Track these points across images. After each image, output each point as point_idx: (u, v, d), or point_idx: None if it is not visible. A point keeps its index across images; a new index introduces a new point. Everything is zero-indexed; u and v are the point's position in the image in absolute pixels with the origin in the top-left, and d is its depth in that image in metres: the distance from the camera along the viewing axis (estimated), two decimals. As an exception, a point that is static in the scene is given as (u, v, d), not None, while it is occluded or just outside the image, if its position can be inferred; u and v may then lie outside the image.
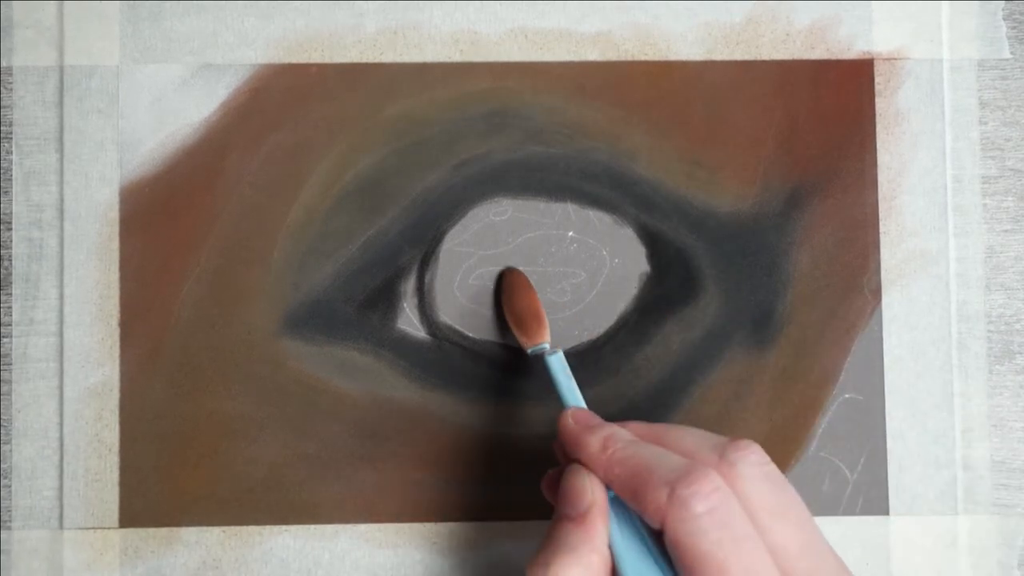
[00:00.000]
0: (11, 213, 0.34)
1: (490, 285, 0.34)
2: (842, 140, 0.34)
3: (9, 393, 0.33)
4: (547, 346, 0.32)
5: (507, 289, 0.33)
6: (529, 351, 0.32)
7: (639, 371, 0.34)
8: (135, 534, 0.33)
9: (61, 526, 0.33)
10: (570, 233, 0.34)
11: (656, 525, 0.24)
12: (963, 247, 0.34)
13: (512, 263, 0.34)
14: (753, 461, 0.25)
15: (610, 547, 0.26)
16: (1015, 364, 0.34)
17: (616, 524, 0.26)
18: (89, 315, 0.33)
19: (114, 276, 0.34)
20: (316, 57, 0.34)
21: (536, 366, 0.34)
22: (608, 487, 0.26)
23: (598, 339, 0.34)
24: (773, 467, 0.25)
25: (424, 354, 0.34)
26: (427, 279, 0.34)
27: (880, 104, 0.35)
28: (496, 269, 0.34)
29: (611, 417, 0.34)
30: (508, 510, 0.34)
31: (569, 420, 0.28)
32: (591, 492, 0.26)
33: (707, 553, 0.23)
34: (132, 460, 0.33)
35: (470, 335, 0.34)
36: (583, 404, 0.29)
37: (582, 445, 0.27)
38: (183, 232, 0.34)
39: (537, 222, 0.34)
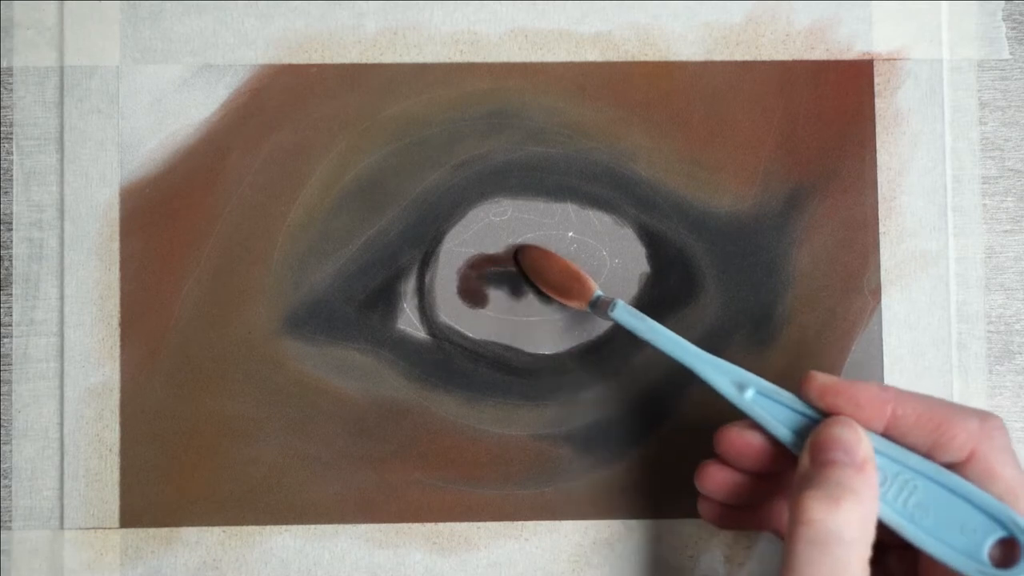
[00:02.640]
0: (11, 213, 0.34)
1: (491, 285, 0.34)
2: (842, 140, 0.34)
3: (9, 393, 0.33)
4: (601, 294, 0.32)
5: (530, 268, 0.33)
6: (589, 309, 0.32)
7: (639, 372, 0.34)
8: (135, 534, 0.33)
9: (61, 526, 0.33)
10: (570, 233, 0.34)
11: (959, 455, 0.26)
12: (963, 247, 0.34)
13: (512, 263, 0.34)
14: (1006, 437, 0.26)
15: None
16: (1015, 364, 0.34)
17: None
18: (89, 315, 0.33)
19: (114, 276, 0.34)
20: (316, 57, 0.34)
21: (540, 368, 0.34)
22: (873, 428, 0.27)
23: (598, 339, 0.34)
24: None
25: (424, 354, 0.34)
26: (427, 279, 0.34)
27: (880, 104, 0.35)
28: (498, 269, 0.34)
29: (612, 417, 0.34)
30: (508, 510, 0.34)
31: (821, 379, 0.28)
32: (866, 443, 0.26)
33: (1022, 480, 0.25)
34: (132, 460, 0.33)
35: (470, 335, 0.34)
36: (677, 337, 0.29)
37: (857, 388, 0.27)
38: (183, 232, 0.34)
39: (537, 222, 0.34)
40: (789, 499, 0.26)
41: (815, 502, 0.25)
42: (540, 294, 0.34)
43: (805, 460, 0.27)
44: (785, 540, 0.25)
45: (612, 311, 0.30)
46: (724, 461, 0.30)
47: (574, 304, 0.32)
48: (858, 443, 0.26)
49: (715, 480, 0.30)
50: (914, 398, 0.27)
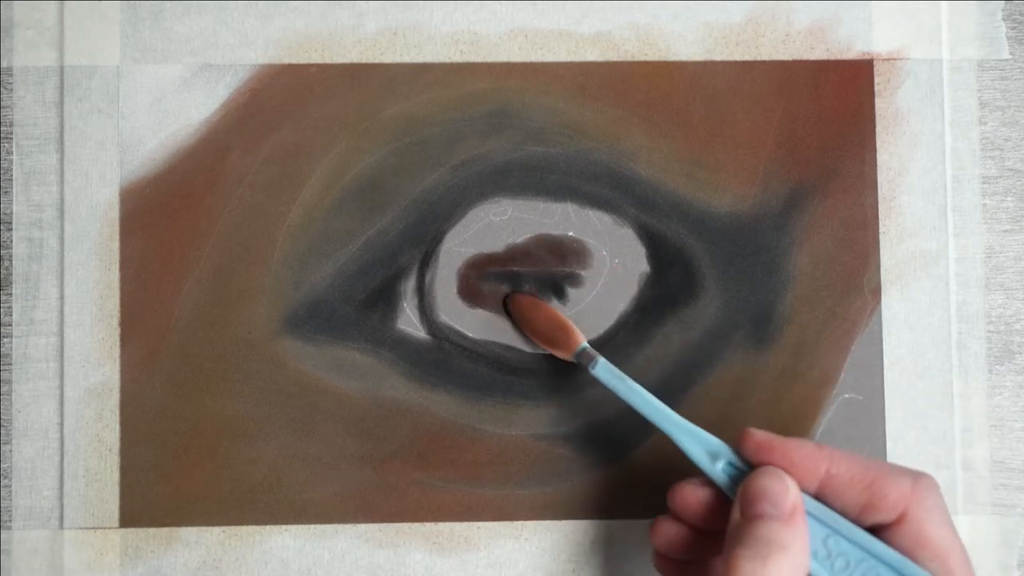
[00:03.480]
0: (11, 213, 0.34)
1: (490, 285, 0.34)
2: (842, 140, 0.34)
3: (9, 393, 0.33)
4: (586, 346, 0.32)
5: (519, 316, 0.33)
6: (574, 360, 0.32)
7: (639, 371, 0.34)
8: (135, 534, 0.33)
9: (61, 526, 0.33)
10: (570, 233, 0.34)
11: (891, 515, 0.26)
12: (963, 247, 0.34)
13: (512, 263, 0.34)
14: (939, 496, 0.27)
15: None
16: (1015, 364, 0.34)
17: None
18: (89, 315, 0.33)
19: (114, 276, 0.34)
20: (316, 57, 0.34)
21: (540, 368, 0.34)
22: (807, 489, 0.27)
23: (598, 339, 0.34)
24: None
25: (424, 354, 0.34)
26: (427, 279, 0.34)
27: (880, 104, 0.35)
28: (498, 269, 0.34)
29: (612, 417, 0.34)
30: (508, 510, 0.34)
31: (760, 437, 0.28)
32: (793, 492, 0.26)
33: (953, 542, 0.26)
34: (132, 460, 0.33)
35: (470, 335, 0.34)
36: (655, 401, 0.30)
37: (791, 446, 0.27)
38: (183, 232, 0.34)
39: (537, 222, 0.34)
40: (723, 555, 0.26)
41: (744, 561, 0.25)
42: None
43: (736, 514, 0.27)
44: None
45: (593, 368, 0.31)
46: (676, 516, 0.30)
47: (560, 354, 0.32)
48: (784, 493, 0.26)
49: (666, 535, 0.30)
50: (849, 457, 0.27)
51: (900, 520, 0.26)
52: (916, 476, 0.27)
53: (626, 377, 0.30)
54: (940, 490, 0.27)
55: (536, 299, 0.34)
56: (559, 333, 0.32)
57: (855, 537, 0.26)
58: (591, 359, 0.31)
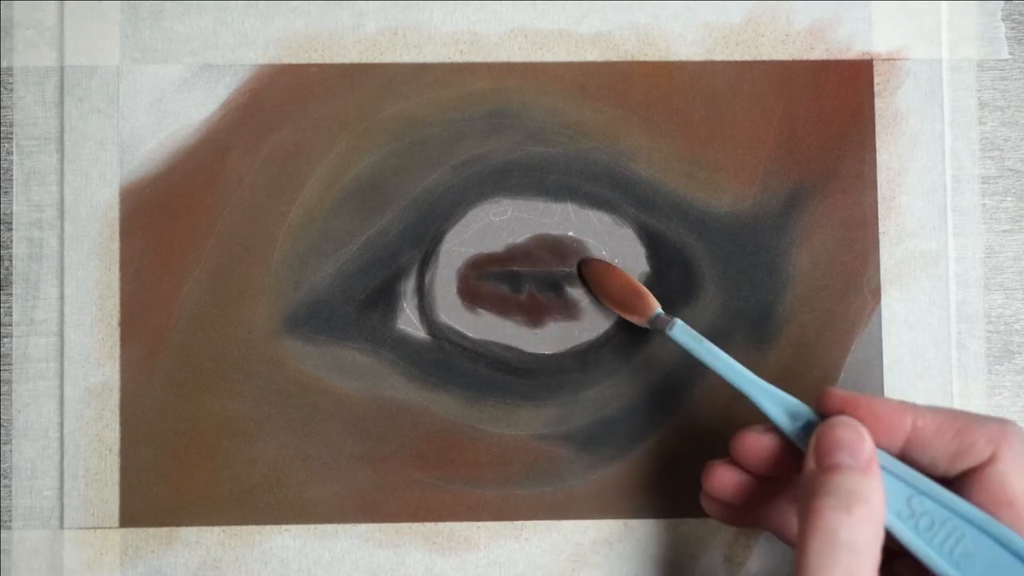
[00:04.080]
0: (11, 213, 0.34)
1: (490, 285, 0.34)
2: (842, 140, 0.34)
3: (9, 393, 0.33)
4: (661, 311, 0.32)
5: (593, 280, 0.34)
6: (648, 326, 0.32)
7: (639, 371, 0.34)
8: (135, 534, 0.33)
9: (61, 526, 0.33)
10: (570, 233, 0.34)
11: (980, 458, 0.26)
12: (962, 247, 0.34)
13: (512, 263, 0.34)
14: None
15: None
16: (1014, 364, 0.34)
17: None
18: (89, 315, 0.33)
19: (114, 276, 0.34)
20: (316, 57, 0.34)
21: (540, 368, 0.34)
22: (885, 445, 0.27)
23: (598, 339, 0.34)
24: None
25: (424, 354, 0.34)
26: (427, 279, 0.34)
27: (880, 104, 0.35)
28: (498, 269, 0.34)
29: (612, 417, 0.34)
30: (508, 510, 0.34)
31: (840, 393, 0.28)
32: (868, 443, 0.26)
33: None
34: (132, 460, 0.33)
35: (470, 335, 0.34)
36: (734, 362, 0.29)
37: (875, 402, 0.27)
38: (183, 232, 0.34)
39: (537, 222, 0.34)
40: (798, 504, 0.26)
41: (828, 511, 0.25)
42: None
43: (811, 463, 0.27)
44: (797, 545, 0.26)
45: (670, 330, 0.30)
46: (734, 462, 0.30)
47: (634, 319, 0.32)
48: (861, 443, 0.26)
49: (722, 481, 0.30)
50: (934, 409, 0.27)
51: (990, 461, 0.26)
52: (1003, 421, 0.26)
53: (703, 339, 0.30)
54: None
55: (610, 264, 0.34)
56: (635, 300, 0.32)
57: (940, 497, 0.26)
58: (667, 322, 0.31)
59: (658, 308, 0.32)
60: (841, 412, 0.28)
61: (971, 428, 0.26)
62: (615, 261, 0.34)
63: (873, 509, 0.25)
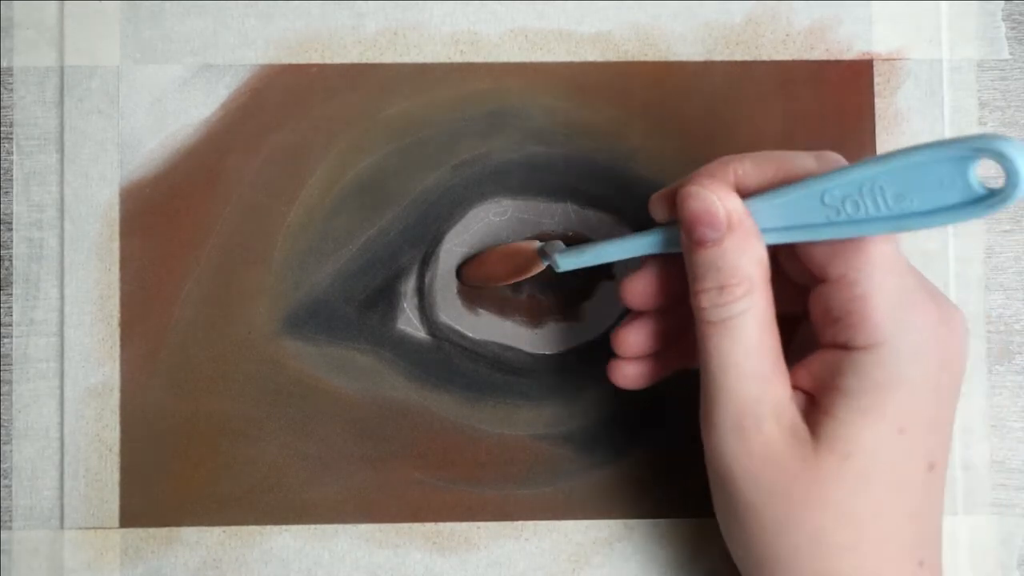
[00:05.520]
0: (11, 213, 0.34)
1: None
2: (842, 140, 0.34)
3: (9, 393, 0.33)
4: (541, 244, 0.31)
5: (480, 280, 0.33)
6: (545, 264, 0.31)
7: (639, 371, 0.34)
8: (135, 534, 0.33)
9: (61, 526, 0.33)
10: (570, 233, 0.34)
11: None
12: (962, 247, 0.34)
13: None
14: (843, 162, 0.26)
15: None
16: (1014, 364, 0.34)
17: None
18: (89, 315, 0.33)
19: (114, 276, 0.34)
20: (316, 57, 0.34)
21: (540, 368, 0.34)
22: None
23: (598, 339, 0.34)
24: None
25: (424, 354, 0.34)
26: (427, 279, 0.34)
27: (880, 104, 0.35)
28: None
29: (612, 417, 0.34)
30: (508, 510, 0.34)
31: (655, 195, 0.28)
32: (723, 199, 0.25)
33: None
34: (132, 460, 0.33)
35: (470, 335, 0.34)
36: (618, 243, 0.29)
37: (691, 179, 0.26)
38: (183, 232, 0.34)
39: (537, 222, 0.34)
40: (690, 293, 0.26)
41: (704, 296, 0.25)
42: (533, 320, 0.34)
43: (683, 238, 0.26)
44: (697, 333, 0.26)
45: (559, 269, 0.30)
46: (632, 318, 0.30)
47: (536, 271, 0.31)
48: (715, 209, 0.25)
49: (628, 338, 0.30)
50: (751, 155, 0.26)
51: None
52: (819, 154, 0.25)
53: (585, 248, 0.29)
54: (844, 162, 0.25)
55: (476, 257, 0.33)
56: (517, 260, 0.32)
57: (881, 163, 0.24)
58: (551, 258, 0.30)
59: (536, 246, 0.31)
60: (669, 210, 0.27)
61: (788, 163, 0.25)
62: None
63: (751, 271, 0.25)
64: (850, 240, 0.25)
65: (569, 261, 0.30)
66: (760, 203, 0.26)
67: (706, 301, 0.25)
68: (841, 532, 0.24)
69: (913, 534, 0.25)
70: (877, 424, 0.24)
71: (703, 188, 0.25)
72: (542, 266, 0.31)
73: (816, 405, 0.26)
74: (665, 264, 0.29)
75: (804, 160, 0.26)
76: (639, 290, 0.29)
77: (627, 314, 0.31)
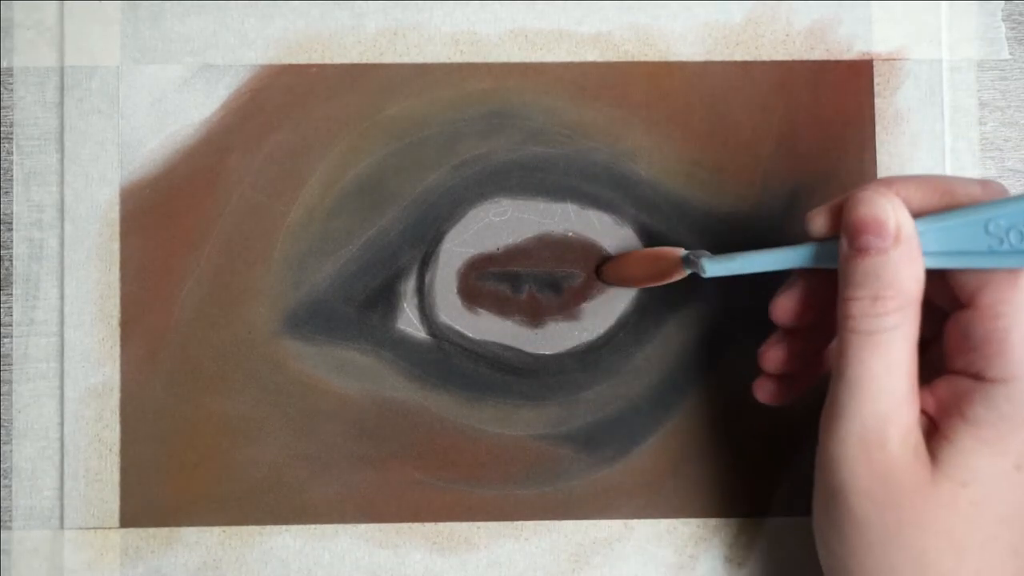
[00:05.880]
0: (11, 213, 0.34)
1: (490, 285, 0.34)
2: (842, 140, 0.34)
3: (9, 393, 0.33)
4: (685, 254, 0.30)
5: (610, 274, 0.33)
6: (687, 272, 0.31)
7: (639, 371, 0.34)
8: (135, 534, 0.33)
9: (61, 526, 0.33)
10: (570, 233, 0.34)
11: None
12: (963, 247, 0.34)
13: (512, 263, 0.34)
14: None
15: None
16: (1015, 364, 0.34)
17: None
18: (89, 315, 0.33)
19: (114, 276, 0.34)
20: (316, 57, 0.34)
21: (540, 368, 0.34)
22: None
23: (598, 339, 0.34)
24: None
25: (424, 354, 0.34)
26: (427, 279, 0.34)
27: (880, 104, 0.35)
28: (498, 269, 0.34)
29: (612, 417, 0.34)
30: (508, 510, 0.34)
31: (816, 211, 0.27)
32: (895, 210, 0.25)
33: None
34: (132, 460, 0.33)
35: (470, 335, 0.34)
36: (771, 255, 0.28)
37: (855, 198, 0.25)
38: (183, 232, 0.34)
39: (537, 222, 0.34)
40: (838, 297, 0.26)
41: (855, 304, 0.25)
42: (533, 320, 0.34)
43: (844, 245, 0.26)
44: (838, 341, 0.25)
45: (705, 274, 0.29)
46: (779, 336, 0.30)
47: (677, 277, 0.31)
48: (886, 218, 0.25)
49: (774, 354, 0.30)
50: (915, 178, 0.26)
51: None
52: (985, 182, 0.25)
53: (735, 257, 0.29)
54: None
55: (620, 256, 0.33)
56: (660, 264, 0.31)
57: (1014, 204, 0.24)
58: (696, 264, 0.30)
59: (682, 253, 0.31)
60: (830, 228, 0.27)
61: (953, 188, 0.25)
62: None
63: (905, 291, 0.24)
64: (1004, 270, 0.25)
65: (717, 267, 0.29)
66: (922, 225, 0.25)
67: (856, 310, 0.25)
68: (945, 558, 0.24)
69: (1014, 569, 0.25)
70: (997, 457, 0.24)
71: (877, 194, 0.25)
72: (684, 274, 0.31)
73: (937, 430, 0.25)
74: (814, 281, 0.29)
75: (969, 187, 0.25)
76: (788, 307, 0.29)
77: (775, 331, 0.30)
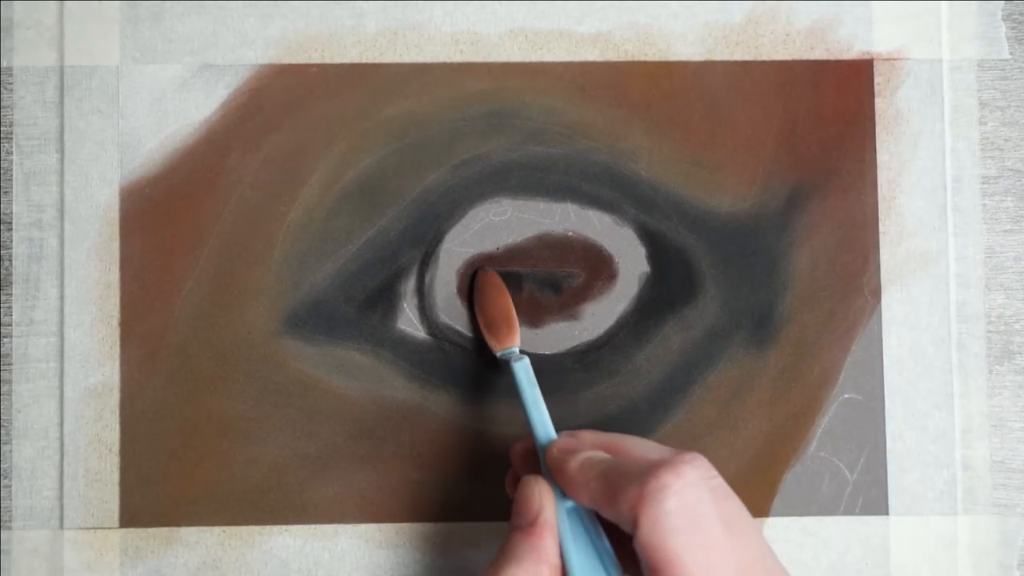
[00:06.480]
0: (11, 213, 0.34)
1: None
2: (842, 140, 0.34)
3: (9, 393, 0.33)
4: (516, 350, 0.32)
5: (479, 291, 0.33)
6: (498, 355, 0.32)
7: (639, 371, 0.34)
8: (135, 534, 0.33)
9: (61, 526, 0.33)
10: (570, 233, 0.34)
11: (630, 527, 0.24)
12: (963, 247, 0.34)
13: (512, 263, 0.34)
14: (700, 475, 0.25)
15: (563, 559, 0.26)
16: (1015, 364, 0.34)
17: (572, 538, 0.26)
18: (89, 315, 0.33)
19: (114, 276, 0.34)
20: (316, 57, 0.34)
21: (540, 368, 0.34)
22: (578, 501, 0.27)
23: (598, 339, 0.34)
24: (720, 479, 0.25)
25: (424, 354, 0.34)
26: (427, 279, 0.34)
27: (880, 104, 0.35)
28: (498, 269, 0.34)
29: (612, 417, 0.34)
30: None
31: (555, 450, 0.28)
32: (539, 502, 0.27)
33: (675, 555, 0.24)
34: (132, 460, 0.33)
35: (470, 335, 0.34)
36: (545, 413, 0.29)
37: (563, 468, 0.27)
38: (183, 232, 0.34)
39: (537, 222, 0.34)
40: None
41: (486, 569, 0.26)
42: (533, 320, 0.34)
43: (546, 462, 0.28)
44: None
45: (515, 362, 0.30)
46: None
47: (492, 343, 0.32)
48: (531, 503, 0.27)
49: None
50: (607, 466, 0.26)
51: (636, 528, 0.24)
52: (644, 480, 0.25)
53: (536, 384, 0.30)
54: (690, 486, 0.24)
55: (502, 286, 0.33)
56: (502, 325, 0.32)
57: (601, 554, 0.26)
58: (517, 356, 0.31)
59: (516, 347, 0.32)
60: (552, 467, 0.28)
61: (617, 492, 0.25)
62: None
63: (525, 568, 0.26)
64: None
65: (522, 373, 0.30)
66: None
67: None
68: None
69: None
70: None
71: (533, 484, 0.27)
72: (497, 350, 0.32)
73: None
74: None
75: (630, 495, 0.25)
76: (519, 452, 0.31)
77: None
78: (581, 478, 0.26)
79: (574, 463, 0.27)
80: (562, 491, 0.27)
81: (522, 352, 0.32)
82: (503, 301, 0.33)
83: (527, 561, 0.26)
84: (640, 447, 0.28)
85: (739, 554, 0.24)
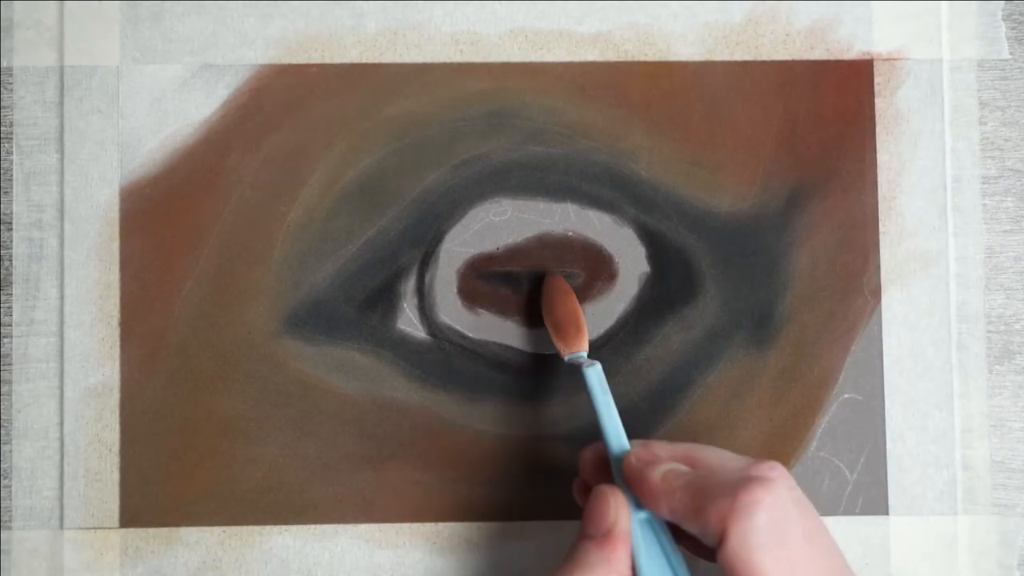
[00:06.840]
0: (11, 213, 0.34)
1: (490, 285, 0.34)
2: (842, 140, 0.34)
3: (9, 393, 0.33)
4: (584, 355, 0.32)
5: (547, 294, 0.33)
6: (566, 359, 0.32)
7: (639, 371, 0.34)
8: (135, 534, 0.33)
9: (61, 526, 0.33)
10: (570, 233, 0.34)
11: (714, 540, 0.24)
12: (963, 247, 0.34)
13: (512, 263, 0.34)
14: (787, 488, 0.25)
15: (635, 570, 0.26)
16: (1015, 364, 0.34)
17: (645, 549, 0.26)
18: (89, 315, 0.33)
19: (114, 276, 0.34)
20: (316, 57, 0.34)
21: (540, 368, 0.34)
22: (658, 512, 0.26)
23: (598, 339, 0.34)
24: (799, 491, 0.26)
25: (424, 354, 0.34)
26: (427, 279, 0.34)
27: (880, 104, 0.35)
28: (498, 269, 0.34)
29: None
30: (508, 510, 0.34)
31: (633, 460, 0.28)
32: (615, 512, 0.26)
33: (761, 570, 0.24)
34: (132, 460, 0.33)
35: (470, 335, 0.34)
36: (618, 421, 0.29)
37: (645, 479, 0.27)
38: (183, 232, 0.34)
39: (537, 222, 0.34)
40: None
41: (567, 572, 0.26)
42: (532, 320, 0.34)
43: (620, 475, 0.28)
44: None
45: (586, 367, 0.30)
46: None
47: (560, 346, 0.32)
48: (606, 513, 0.26)
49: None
50: (691, 478, 0.26)
51: (722, 542, 0.24)
52: (735, 494, 0.25)
53: (608, 390, 0.30)
54: (780, 500, 0.25)
55: (570, 291, 0.33)
56: (571, 328, 0.32)
57: (673, 566, 0.26)
58: (589, 363, 0.31)
59: (584, 351, 0.32)
60: (629, 477, 0.27)
61: (705, 505, 0.25)
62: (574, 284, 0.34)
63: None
64: None
65: (594, 378, 0.30)
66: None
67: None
68: None
69: None
70: None
71: (608, 495, 0.27)
72: (566, 354, 0.32)
73: None
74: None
75: (719, 506, 0.25)
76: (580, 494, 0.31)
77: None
78: (664, 490, 0.26)
79: (656, 474, 0.27)
80: (636, 501, 0.27)
81: (591, 358, 0.31)
82: (571, 304, 0.33)
83: (599, 570, 0.26)
84: (716, 456, 0.27)
85: (820, 570, 0.24)
